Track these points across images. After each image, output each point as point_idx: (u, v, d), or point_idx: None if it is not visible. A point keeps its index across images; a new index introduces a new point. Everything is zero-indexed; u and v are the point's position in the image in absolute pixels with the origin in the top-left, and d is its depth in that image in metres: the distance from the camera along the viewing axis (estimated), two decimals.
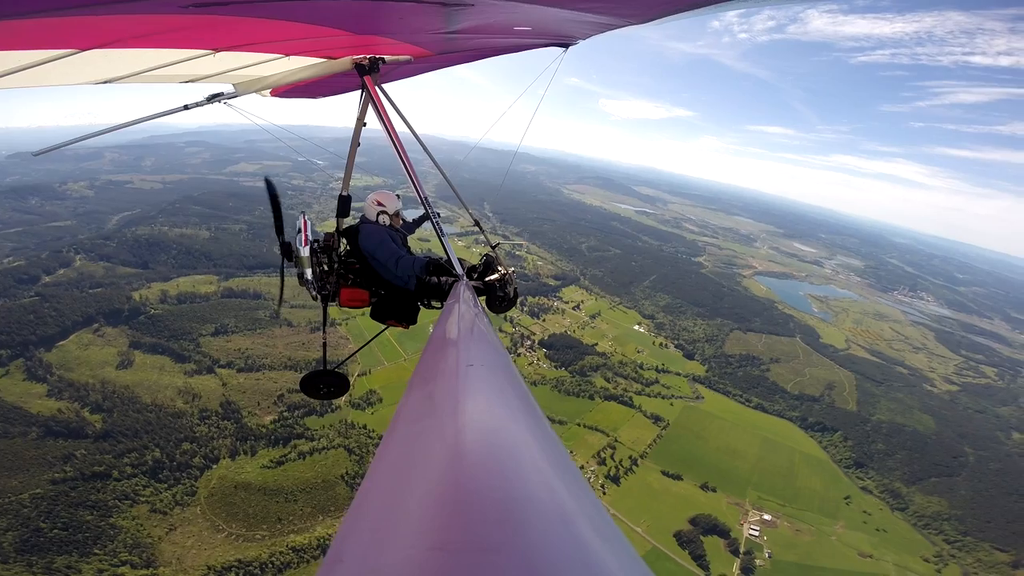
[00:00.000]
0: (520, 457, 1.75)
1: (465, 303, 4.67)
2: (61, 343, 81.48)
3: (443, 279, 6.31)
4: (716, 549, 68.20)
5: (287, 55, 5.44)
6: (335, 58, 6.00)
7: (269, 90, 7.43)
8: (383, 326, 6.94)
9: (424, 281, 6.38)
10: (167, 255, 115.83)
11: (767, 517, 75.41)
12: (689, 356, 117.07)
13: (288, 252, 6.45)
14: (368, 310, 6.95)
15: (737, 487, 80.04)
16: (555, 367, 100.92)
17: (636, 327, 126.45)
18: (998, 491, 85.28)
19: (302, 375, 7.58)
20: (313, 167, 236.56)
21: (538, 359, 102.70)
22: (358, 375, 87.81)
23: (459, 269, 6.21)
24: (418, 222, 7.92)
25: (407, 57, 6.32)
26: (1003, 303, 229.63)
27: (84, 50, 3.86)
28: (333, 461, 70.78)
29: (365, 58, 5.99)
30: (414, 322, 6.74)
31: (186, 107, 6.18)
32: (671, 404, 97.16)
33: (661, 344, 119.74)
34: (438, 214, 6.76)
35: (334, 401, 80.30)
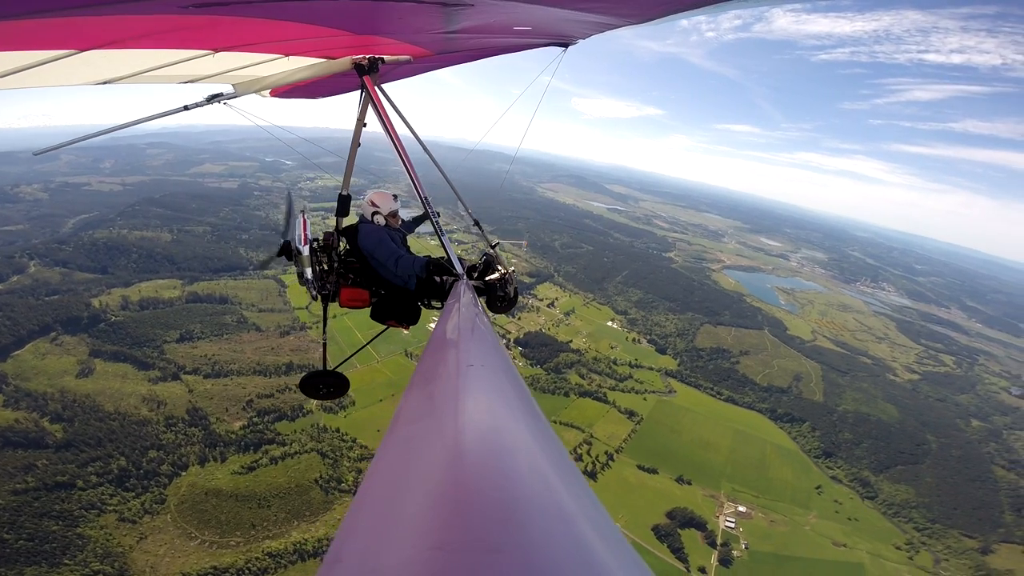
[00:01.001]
0: (520, 457, 1.78)
1: (465, 303, 4.71)
2: (16, 353, 78.00)
3: (443, 278, 6.33)
4: (694, 542, 69.22)
5: (287, 55, 5.42)
6: (334, 58, 5.98)
7: (269, 90, 7.37)
8: (383, 326, 6.94)
9: (424, 281, 6.39)
10: (127, 259, 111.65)
11: (742, 508, 76.77)
12: (661, 351, 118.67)
13: (288, 252, 6.51)
14: (357, 310, 6.95)
15: (711, 479, 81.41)
16: (531, 365, 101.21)
17: (609, 323, 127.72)
18: (961, 478, 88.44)
19: (301, 376, 7.58)
20: (281, 167, 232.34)
21: (514, 357, 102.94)
22: None
23: (459, 268, 6.21)
24: (418, 221, 7.95)
25: (407, 57, 6.32)
26: (959, 292, 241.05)
27: (84, 50, 3.83)
28: (306, 466, 69.69)
29: (364, 58, 5.99)
30: (415, 322, 6.75)
31: (186, 107, 6.11)
32: (645, 399, 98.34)
33: (634, 339, 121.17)
34: (438, 214, 6.77)
35: (305, 405, 79.22)
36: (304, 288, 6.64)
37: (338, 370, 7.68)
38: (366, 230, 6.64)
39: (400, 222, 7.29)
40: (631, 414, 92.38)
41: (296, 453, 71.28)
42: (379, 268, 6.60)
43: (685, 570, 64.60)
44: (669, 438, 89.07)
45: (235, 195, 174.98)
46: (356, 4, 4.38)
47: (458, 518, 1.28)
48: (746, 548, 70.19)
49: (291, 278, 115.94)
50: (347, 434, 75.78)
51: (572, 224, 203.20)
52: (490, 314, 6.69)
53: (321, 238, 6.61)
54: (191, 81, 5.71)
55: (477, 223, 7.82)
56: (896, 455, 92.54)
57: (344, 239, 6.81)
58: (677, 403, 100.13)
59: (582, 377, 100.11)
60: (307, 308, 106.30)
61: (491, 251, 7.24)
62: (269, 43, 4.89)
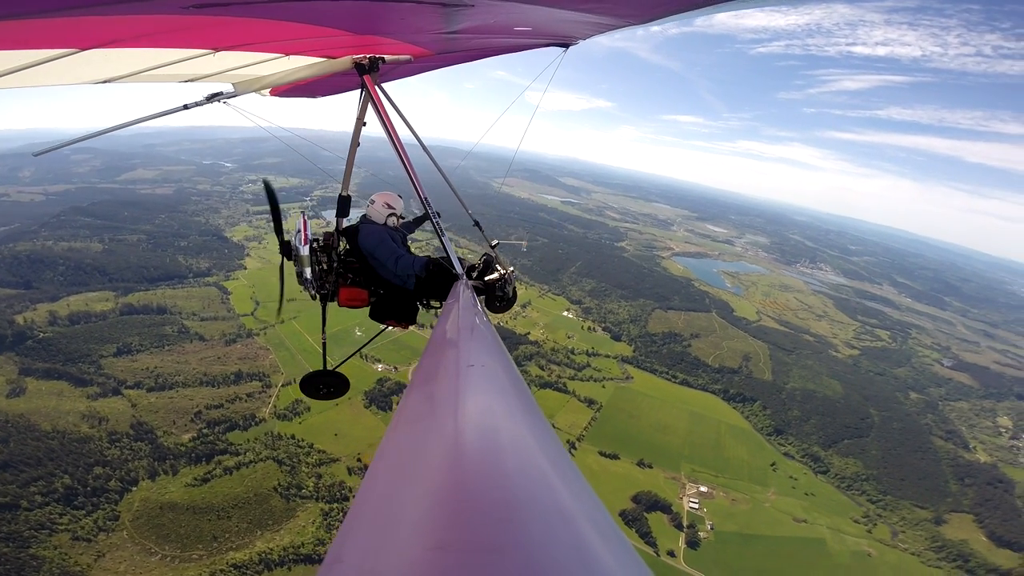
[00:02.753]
0: (520, 457, 1.80)
1: (465, 303, 4.72)
2: None
3: (442, 278, 6.32)
4: (661, 525, 70.46)
5: (287, 54, 5.40)
6: (335, 57, 5.96)
7: (269, 89, 7.29)
8: (383, 326, 6.92)
9: (423, 280, 6.40)
10: (53, 272, 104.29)
11: (703, 489, 78.52)
12: (616, 338, 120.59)
13: (288, 251, 6.42)
14: (355, 309, 6.92)
15: (671, 461, 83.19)
16: None
17: (565, 313, 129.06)
18: (904, 449, 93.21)
19: (301, 376, 7.57)
20: (221, 170, 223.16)
21: None
22: (282, 385, 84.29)
23: (459, 268, 6.23)
24: (418, 221, 7.95)
25: (407, 57, 6.33)
26: (889, 270, 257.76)
27: (84, 50, 3.81)
28: (263, 474, 67.78)
29: (365, 58, 5.97)
30: (413, 322, 6.79)
31: (185, 107, 6.06)
32: (603, 386, 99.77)
33: (589, 328, 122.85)
34: (438, 214, 6.78)
35: (257, 414, 77.03)
36: (302, 287, 6.59)
37: (338, 370, 7.66)
38: (367, 230, 6.62)
39: (401, 222, 7.28)
40: (590, 402, 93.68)
41: (251, 462, 69.24)
42: (379, 268, 6.59)
43: (655, 554, 65.82)
44: (628, 423, 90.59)
45: (171, 201, 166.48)
46: (356, 4, 4.39)
47: (458, 518, 1.27)
48: (712, 529, 71.75)
49: (233, 285, 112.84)
50: (303, 440, 74.02)
51: (527, 218, 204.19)
52: (490, 314, 6.75)
53: (321, 238, 6.55)
54: (191, 80, 5.67)
55: (477, 224, 7.88)
56: (842, 430, 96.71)
57: (344, 239, 6.76)
58: (634, 389, 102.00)
59: (542, 368, 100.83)
60: (253, 315, 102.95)
61: (491, 251, 7.29)
62: (269, 42, 4.87)
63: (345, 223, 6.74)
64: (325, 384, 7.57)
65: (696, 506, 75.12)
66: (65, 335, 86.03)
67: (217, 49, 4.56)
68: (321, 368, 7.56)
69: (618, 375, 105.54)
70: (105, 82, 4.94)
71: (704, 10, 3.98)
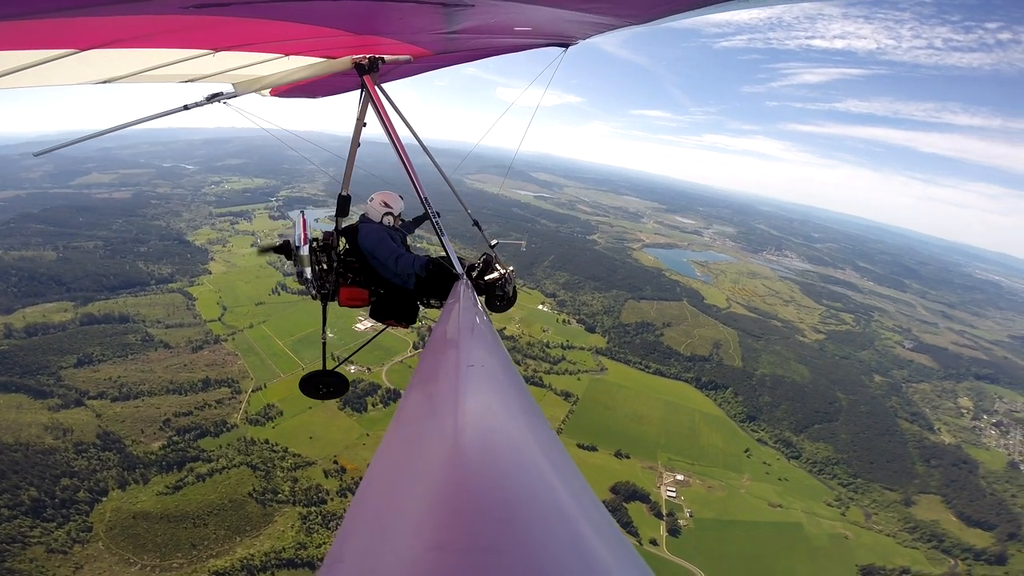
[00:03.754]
0: (520, 457, 1.83)
1: (465, 303, 4.82)
2: None
3: (442, 278, 6.35)
4: (641, 515, 71.15)
5: (287, 55, 5.40)
6: (335, 58, 5.95)
7: (269, 90, 7.22)
8: (383, 325, 6.92)
9: (423, 280, 6.41)
10: (6, 283, 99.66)
11: (680, 477, 79.41)
12: (591, 329, 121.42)
13: (288, 250, 6.39)
14: (356, 309, 7.00)
15: (648, 451, 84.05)
16: None
17: (540, 306, 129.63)
18: (871, 432, 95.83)
19: (301, 376, 7.56)
20: (182, 172, 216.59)
21: None
22: (253, 390, 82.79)
23: (459, 268, 6.26)
24: (418, 221, 7.93)
25: (407, 57, 6.33)
26: (851, 255, 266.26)
27: (84, 50, 3.81)
28: (237, 480, 66.65)
29: (365, 58, 5.96)
30: (414, 321, 6.83)
31: (186, 107, 5.99)
32: (578, 379, 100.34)
33: (564, 320, 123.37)
34: (438, 214, 6.81)
35: (228, 420, 75.67)
36: (304, 287, 6.56)
37: (338, 370, 7.70)
38: (366, 230, 6.61)
39: (401, 222, 7.25)
40: (567, 395, 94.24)
41: (224, 468, 68.00)
42: (379, 267, 6.60)
43: (638, 543, 66.19)
44: (604, 415, 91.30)
45: (129, 205, 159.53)
46: (356, 4, 4.40)
47: (458, 518, 1.27)
48: (691, 516, 72.67)
49: (198, 290, 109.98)
50: (277, 444, 72.92)
51: (500, 213, 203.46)
52: (489, 314, 6.79)
53: (321, 237, 6.54)
54: (191, 80, 5.65)
55: (476, 223, 7.89)
56: (812, 414, 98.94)
57: (344, 239, 6.75)
58: (609, 380, 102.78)
59: (518, 363, 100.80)
60: (220, 320, 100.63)
61: (490, 251, 7.33)
62: (269, 43, 4.87)
63: (345, 223, 6.72)
64: (325, 384, 7.58)
65: (674, 494, 76.00)
66: (22, 347, 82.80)
67: (217, 49, 4.55)
68: (321, 368, 7.60)
69: (593, 367, 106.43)
70: (105, 82, 4.91)
71: (704, 10, 4.02)
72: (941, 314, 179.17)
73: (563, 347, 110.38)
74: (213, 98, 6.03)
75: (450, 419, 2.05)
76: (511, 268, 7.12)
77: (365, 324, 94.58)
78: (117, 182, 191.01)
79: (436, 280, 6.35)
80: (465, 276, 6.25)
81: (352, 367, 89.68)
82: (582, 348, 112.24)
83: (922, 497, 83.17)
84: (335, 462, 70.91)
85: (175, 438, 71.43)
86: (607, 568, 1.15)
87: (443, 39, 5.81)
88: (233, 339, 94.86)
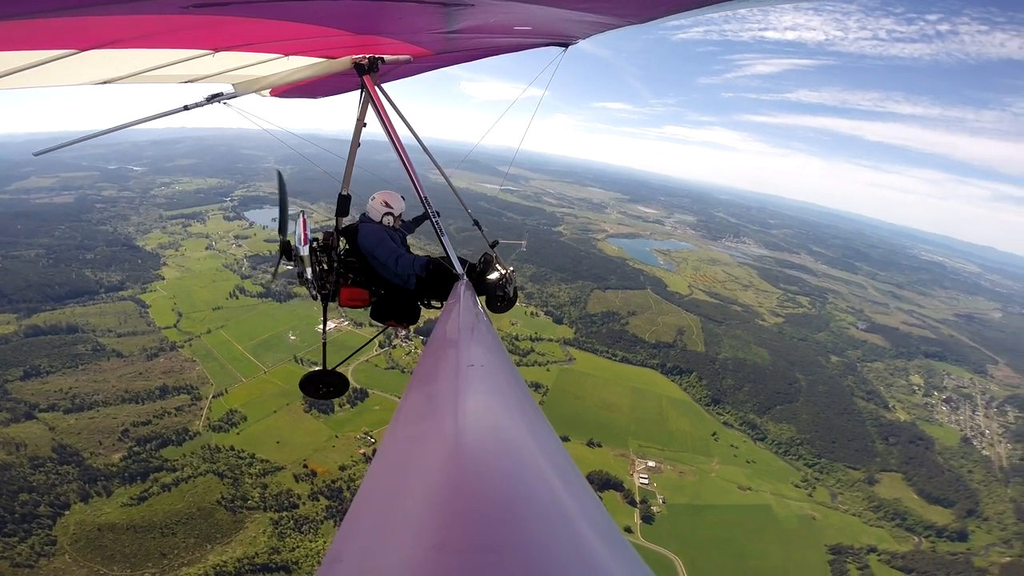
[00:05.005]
0: (520, 457, 1.82)
1: (465, 303, 4.82)
2: None
3: (443, 278, 6.38)
4: (615, 503, 71.85)
5: (287, 55, 5.35)
6: (335, 58, 5.90)
7: (269, 90, 7.14)
8: (383, 325, 6.91)
9: (424, 280, 6.42)
10: None
11: (652, 464, 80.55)
12: (558, 321, 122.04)
13: (288, 251, 6.37)
14: (356, 309, 6.96)
15: (619, 439, 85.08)
16: None
17: None
18: (831, 412, 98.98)
19: (301, 376, 7.51)
20: (129, 175, 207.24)
21: (416, 347, 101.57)
22: (213, 397, 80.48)
23: (459, 268, 6.30)
24: (418, 222, 7.92)
25: (407, 57, 6.32)
26: (805, 240, 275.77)
27: (84, 50, 3.80)
28: (204, 488, 65.15)
29: (364, 58, 5.93)
30: (414, 322, 6.87)
31: (186, 107, 5.91)
32: (548, 370, 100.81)
33: (532, 313, 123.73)
34: (438, 213, 6.82)
35: (191, 427, 73.78)
36: (305, 287, 6.55)
37: (338, 370, 7.72)
38: (367, 230, 6.60)
39: (401, 222, 7.21)
40: (536, 387, 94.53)
41: (190, 477, 66.35)
42: (379, 268, 6.60)
43: None
44: (574, 405, 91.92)
45: (72, 210, 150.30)
46: (356, 4, 4.40)
47: (458, 518, 1.27)
48: (664, 503, 73.78)
49: (151, 297, 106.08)
50: (243, 451, 71.38)
51: (468, 207, 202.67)
52: (489, 314, 6.81)
53: (321, 238, 6.53)
54: (191, 81, 5.59)
55: (476, 223, 7.89)
56: (774, 396, 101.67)
57: (344, 239, 6.73)
58: (577, 370, 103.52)
59: None
60: (175, 327, 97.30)
61: (490, 251, 7.33)
62: (269, 43, 4.84)
63: (345, 222, 6.70)
64: (325, 384, 7.63)
65: (646, 481, 77.03)
66: None
67: (217, 50, 4.51)
68: (321, 368, 7.63)
69: (561, 357, 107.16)
70: (105, 83, 4.88)
71: (704, 10, 4.08)
72: (891, 295, 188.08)
73: (532, 339, 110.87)
74: (213, 98, 5.97)
75: (450, 419, 2.07)
76: (511, 268, 7.13)
77: (328, 325, 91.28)
78: (58, 186, 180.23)
79: (436, 280, 6.38)
80: (465, 276, 6.28)
81: (316, 368, 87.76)
82: (550, 340, 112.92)
83: (884, 475, 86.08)
84: (305, 466, 69.76)
85: (136, 448, 69.13)
86: (607, 568, 1.15)
87: (443, 39, 5.82)
88: (190, 345, 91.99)
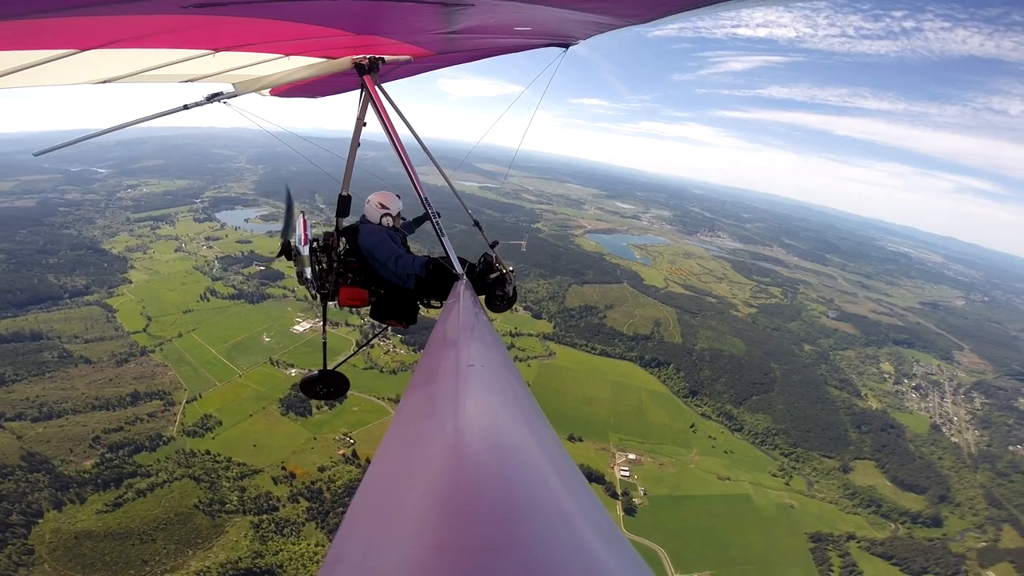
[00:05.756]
0: (520, 457, 1.83)
1: (465, 303, 4.80)
2: None
3: (442, 278, 6.38)
4: (597, 496, 72.93)
5: (287, 55, 5.34)
6: (335, 58, 5.89)
7: (268, 90, 7.08)
8: (383, 325, 6.92)
9: (423, 280, 6.44)
10: None
11: (632, 456, 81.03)
12: (537, 316, 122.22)
13: (288, 251, 6.40)
14: (356, 308, 7.06)
15: (599, 433, 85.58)
16: (413, 351, 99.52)
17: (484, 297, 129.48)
18: (805, 401, 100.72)
19: (301, 377, 7.48)
20: (93, 177, 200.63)
21: (394, 346, 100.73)
22: (187, 402, 78.73)
23: (459, 268, 6.28)
24: (418, 222, 7.92)
25: (407, 57, 6.34)
26: (778, 233, 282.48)
27: (84, 50, 3.80)
28: (180, 493, 63.77)
29: (365, 58, 5.92)
30: (414, 321, 6.90)
31: (186, 107, 5.94)
32: (528, 365, 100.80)
33: (512, 309, 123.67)
34: (438, 214, 6.82)
35: (164, 433, 72.18)
36: (304, 287, 6.55)
37: (338, 370, 7.65)
38: (367, 230, 6.62)
39: (401, 222, 7.18)
40: None
41: (165, 482, 64.92)
42: (379, 268, 6.61)
43: None
44: (555, 399, 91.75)
45: (33, 214, 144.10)
46: (356, 4, 4.40)
47: (458, 518, 1.27)
48: (645, 494, 74.40)
49: (118, 301, 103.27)
50: (219, 455, 70.04)
51: (446, 206, 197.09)
52: (490, 313, 6.81)
53: (321, 238, 6.52)
54: (191, 80, 5.57)
55: (476, 224, 7.88)
56: (749, 386, 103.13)
57: (344, 239, 6.73)
58: (557, 364, 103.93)
59: None
60: (145, 331, 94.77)
61: (490, 250, 7.33)
62: (269, 43, 4.82)
63: (345, 223, 6.71)
64: (325, 384, 7.54)
65: (627, 474, 77.59)
66: None
67: (217, 49, 4.50)
68: (321, 368, 7.51)
69: (541, 352, 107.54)
70: (105, 82, 4.86)
71: (704, 10, 4.11)
72: (860, 284, 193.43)
73: (512, 335, 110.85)
74: (213, 98, 5.98)
75: (450, 419, 2.06)
76: (511, 268, 7.14)
77: (303, 326, 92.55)
78: (18, 189, 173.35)
79: (436, 280, 6.39)
80: (465, 276, 6.27)
81: (292, 370, 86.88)
82: (530, 335, 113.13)
83: (858, 463, 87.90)
84: (283, 468, 68.79)
85: (108, 455, 67.32)
86: (607, 568, 1.15)
87: (443, 39, 5.83)
88: (161, 350, 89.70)
